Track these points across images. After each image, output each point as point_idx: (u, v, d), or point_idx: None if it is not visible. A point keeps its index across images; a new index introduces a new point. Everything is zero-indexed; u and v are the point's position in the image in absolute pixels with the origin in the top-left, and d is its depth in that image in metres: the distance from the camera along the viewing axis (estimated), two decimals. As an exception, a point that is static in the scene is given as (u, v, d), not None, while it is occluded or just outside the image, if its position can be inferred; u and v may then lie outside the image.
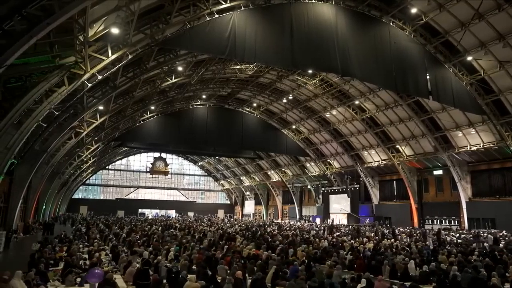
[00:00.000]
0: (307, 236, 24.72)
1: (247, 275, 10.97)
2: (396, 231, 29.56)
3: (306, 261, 13.21)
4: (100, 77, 17.49)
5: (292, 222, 48.47)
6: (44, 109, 16.17)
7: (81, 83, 16.75)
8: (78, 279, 10.48)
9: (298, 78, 36.52)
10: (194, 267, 12.30)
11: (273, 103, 44.06)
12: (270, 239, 21.02)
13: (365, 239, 22.06)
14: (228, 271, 11.47)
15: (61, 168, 34.43)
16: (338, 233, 28.09)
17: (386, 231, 29.68)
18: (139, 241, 18.90)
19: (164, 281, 9.59)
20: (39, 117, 16.25)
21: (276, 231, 29.69)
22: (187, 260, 12.59)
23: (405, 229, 33.49)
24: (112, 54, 16.78)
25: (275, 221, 52.86)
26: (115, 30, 16.08)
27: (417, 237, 24.93)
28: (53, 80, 15.49)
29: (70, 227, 34.45)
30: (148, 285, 9.30)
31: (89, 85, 17.40)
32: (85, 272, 11.47)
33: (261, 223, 42.43)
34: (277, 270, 10.84)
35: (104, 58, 16.66)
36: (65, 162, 33.68)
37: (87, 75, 16.32)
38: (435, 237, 23.04)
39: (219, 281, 9.91)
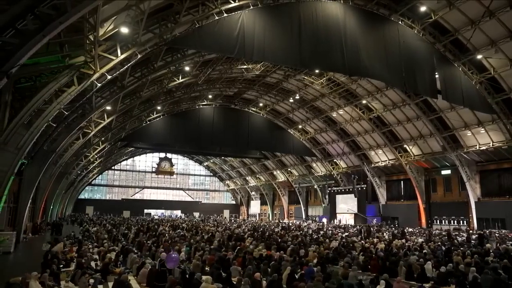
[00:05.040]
0: (316, 236, 24.55)
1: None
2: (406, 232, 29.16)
3: (321, 262, 13.02)
4: (109, 77, 17.40)
5: (298, 222, 48.23)
6: (54, 109, 16.07)
7: (90, 83, 16.68)
8: (91, 281, 10.38)
9: (305, 77, 36.35)
10: (206, 268, 12.17)
11: (279, 103, 43.92)
12: (279, 240, 20.86)
13: (375, 240, 21.85)
14: (242, 272, 11.33)
15: (69, 169, 34.48)
16: (346, 234, 27.84)
17: (395, 231, 29.37)
18: (148, 242, 18.81)
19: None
20: (49, 117, 16.16)
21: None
22: (200, 261, 12.46)
23: (414, 229, 33.25)
24: (121, 53, 16.66)
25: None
26: (124, 30, 15.98)
27: (427, 237, 24.67)
28: (62, 80, 15.39)
29: (78, 227, 34.47)
30: (165, 287, 9.18)
31: (99, 85, 17.30)
32: (98, 273, 11.41)
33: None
34: (292, 271, 10.69)
35: (113, 57, 16.55)
36: (73, 163, 33.75)
37: (96, 75, 16.23)
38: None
39: (234, 282, 9.78)
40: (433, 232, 28.67)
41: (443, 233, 27.11)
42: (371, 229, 30.51)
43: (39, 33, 10.31)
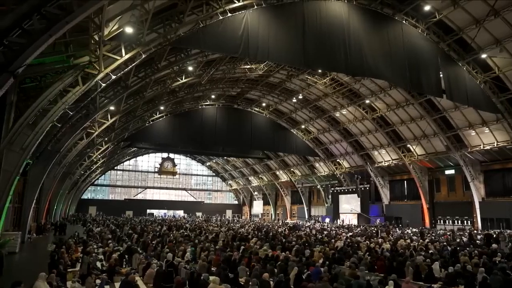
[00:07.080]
0: (320, 236, 24.48)
1: (267, 276, 10.76)
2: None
3: (327, 262, 12.95)
4: (113, 77, 17.41)
5: (301, 222, 48.17)
6: (59, 109, 16.08)
7: (95, 83, 16.68)
8: (98, 281, 10.34)
9: (308, 77, 36.26)
10: (212, 268, 12.12)
11: (282, 103, 43.85)
12: (284, 240, 20.80)
13: (380, 240, 21.77)
14: (248, 273, 11.28)
15: (72, 169, 34.51)
16: (351, 233, 27.74)
17: (399, 231, 29.23)
18: (152, 242, 18.78)
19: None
20: (53, 118, 16.16)
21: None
22: (206, 261, 12.41)
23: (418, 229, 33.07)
24: (126, 53, 16.68)
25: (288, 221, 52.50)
26: (129, 29, 16.01)
27: (433, 237, 24.56)
28: (67, 80, 15.41)
29: (82, 227, 34.50)
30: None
31: (103, 85, 17.31)
32: (104, 274, 11.37)
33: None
34: (299, 272, 10.63)
35: (118, 57, 16.56)
36: (76, 163, 33.76)
37: (101, 75, 16.23)
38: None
39: (241, 283, 9.73)
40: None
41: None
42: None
43: (45, 32, 10.30)
